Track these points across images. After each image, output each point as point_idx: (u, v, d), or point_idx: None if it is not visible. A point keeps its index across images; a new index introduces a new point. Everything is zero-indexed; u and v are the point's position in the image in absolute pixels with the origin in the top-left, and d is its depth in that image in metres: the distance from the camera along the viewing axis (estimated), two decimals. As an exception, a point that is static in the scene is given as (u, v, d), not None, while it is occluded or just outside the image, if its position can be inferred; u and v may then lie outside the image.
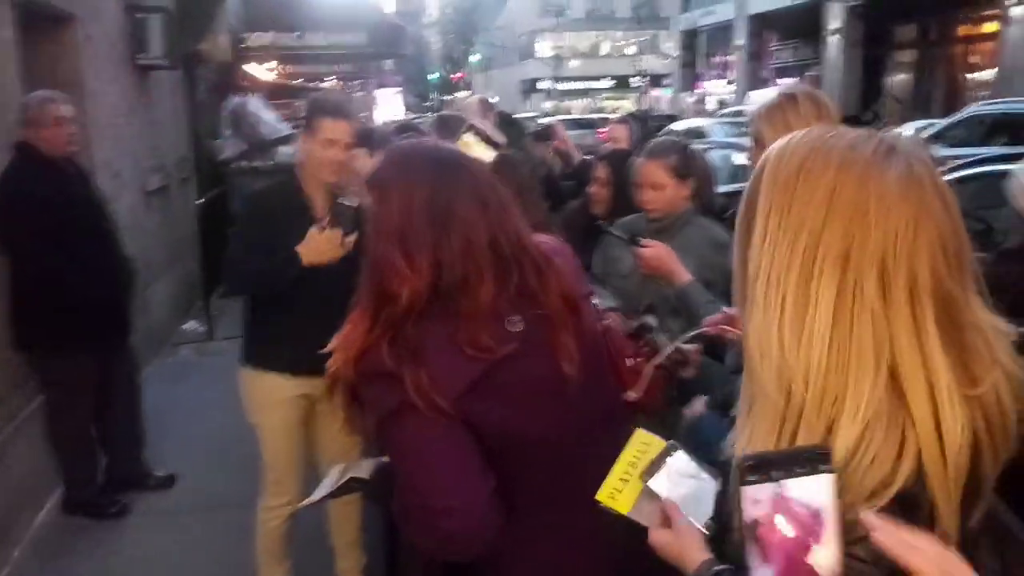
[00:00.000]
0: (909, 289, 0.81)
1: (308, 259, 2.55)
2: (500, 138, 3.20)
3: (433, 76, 50.94)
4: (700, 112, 27.37)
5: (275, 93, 12.27)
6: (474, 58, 51.91)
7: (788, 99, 2.05)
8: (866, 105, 19.94)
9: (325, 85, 17.40)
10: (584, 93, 52.54)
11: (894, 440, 0.80)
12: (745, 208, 0.92)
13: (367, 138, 3.31)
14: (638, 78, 42.67)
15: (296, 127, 6.92)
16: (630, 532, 1.11)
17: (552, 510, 1.45)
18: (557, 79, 47.45)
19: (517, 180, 2.22)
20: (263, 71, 12.43)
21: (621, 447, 1.19)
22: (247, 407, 2.87)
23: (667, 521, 1.05)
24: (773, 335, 0.83)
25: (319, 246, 2.54)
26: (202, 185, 8.19)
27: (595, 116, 25.91)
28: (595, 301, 1.74)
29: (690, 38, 34.39)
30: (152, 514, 3.94)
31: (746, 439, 0.88)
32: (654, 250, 2.28)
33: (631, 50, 48.65)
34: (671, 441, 1.16)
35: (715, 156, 8.94)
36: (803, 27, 24.36)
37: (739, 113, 20.28)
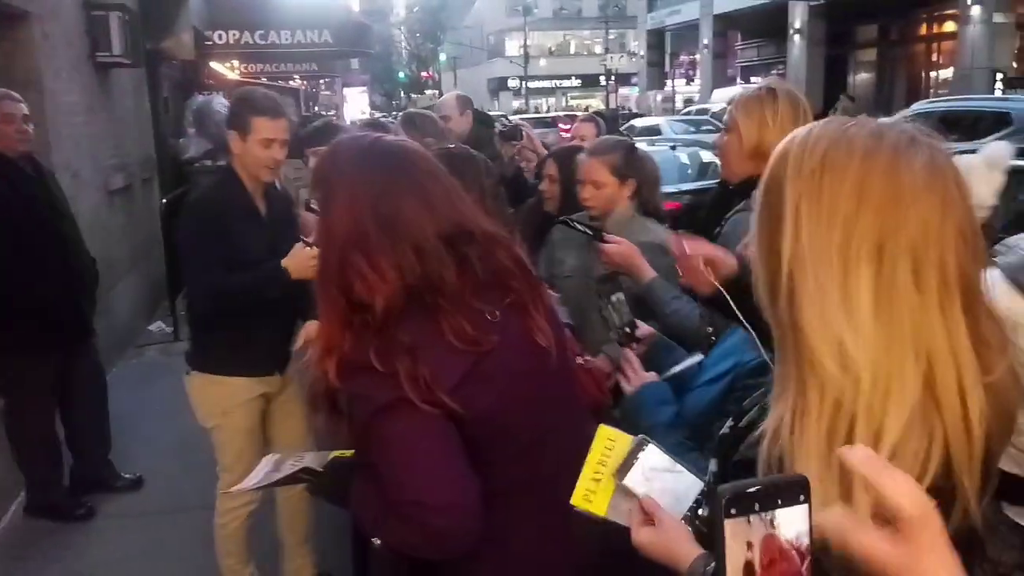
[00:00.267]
0: (939, 277, 0.82)
1: (297, 274, 2.53)
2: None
3: (401, 75, 50.67)
4: (668, 111, 27.59)
5: (240, 92, 12.13)
6: (442, 57, 51.77)
7: (768, 93, 2.09)
8: (828, 104, 20.22)
9: (293, 84, 17.26)
10: (552, 92, 52.69)
11: (927, 431, 0.80)
12: (766, 200, 0.90)
13: (333, 136, 3.32)
14: (602, 78, 42.86)
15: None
16: (608, 533, 1.08)
17: (528, 501, 1.46)
18: (525, 78, 47.52)
19: (479, 182, 2.21)
20: (228, 69, 12.30)
21: (588, 442, 1.16)
22: (202, 413, 2.85)
23: (648, 519, 1.02)
24: (830, 320, 0.82)
25: (305, 261, 2.49)
26: (166, 184, 8.09)
27: (557, 114, 26.11)
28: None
29: (657, 37, 34.67)
30: (119, 516, 3.89)
31: (789, 422, 0.84)
32: (618, 246, 2.28)
33: (599, 49, 48.86)
34: (641, 436, 1.14)
35: (683, 153, 9.04)
36: (768, 27, 24.67)
37: (703, 111, 20.52)
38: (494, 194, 2.32)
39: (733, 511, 0.75)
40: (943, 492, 0.77)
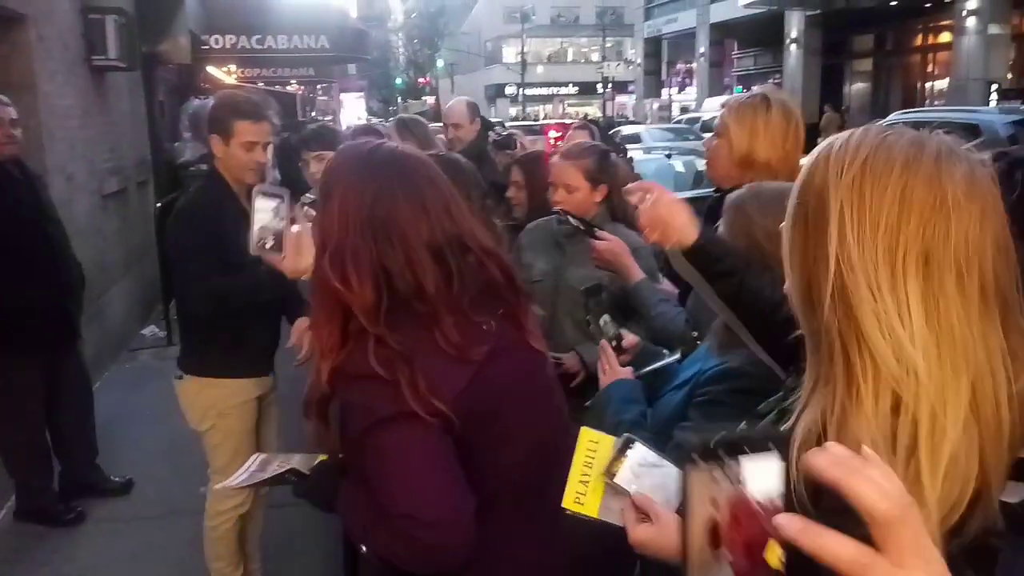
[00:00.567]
0: (979, 288, 0.83)
1: (293, 274, 2.54)
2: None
3: (398, 81, 50.69)
4: (664, 119, 27.65)
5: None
6: (439, 63, 51.84)
7: (762, 101, 2.08)
8: (823, 114, 20.31)
9: (290, 88, 17.27)
10: (549, 99, 52.77)
11: (972, 438, 0.81)
12: (802, 206, 0.90)
13: (331, 140, 3.34)
14: (599, 85, 42.96)
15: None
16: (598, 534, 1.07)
17: (520, 510, 1.45)
18: (522, 85, 47.61)
19: (467, 192, 2.22)
20: (224, 74, 12.30)
21: (572, 446, 1.17)
22: (196, 416, 2.84)
23: (642, 516, 1.02)
24: (891, 324, 0.82)
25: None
26: (161, 188, 8.08)
27: (548, 122, 26.19)
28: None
29: (653, 45, 34.77)
30: (109, 520, 3.87)
31: (839, 416, 0.84)
32: (610, 244, 2.27)
33: (596, 56, 48.99)
34: (626, 435, 1.14)
35: (678, 161, 9.07)
36: (764, 36, 24.76)
37: (694, 120, 20.63)
38: (481, 204, 2.32)
39: (695, 457, 0.73)
40: (977, 499, 0.79)
